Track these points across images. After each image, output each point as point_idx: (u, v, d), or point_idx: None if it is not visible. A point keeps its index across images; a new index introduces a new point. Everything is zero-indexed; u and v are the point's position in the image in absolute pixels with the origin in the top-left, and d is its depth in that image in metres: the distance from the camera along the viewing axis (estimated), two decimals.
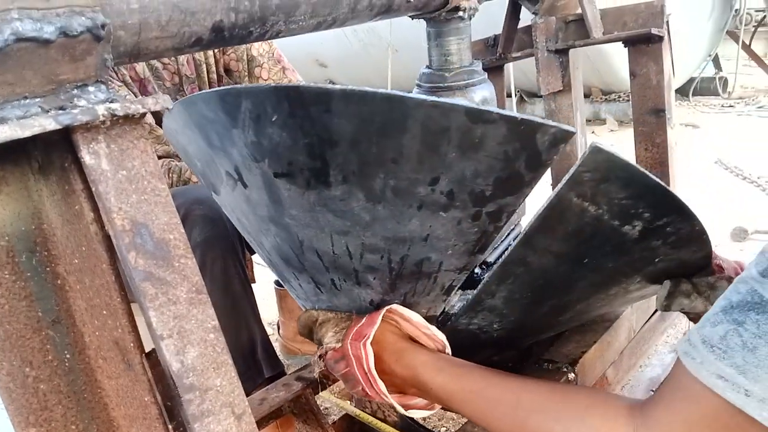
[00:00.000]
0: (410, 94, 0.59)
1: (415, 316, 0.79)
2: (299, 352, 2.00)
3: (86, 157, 0.46)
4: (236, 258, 1.38)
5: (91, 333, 0.55)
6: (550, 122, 0.60)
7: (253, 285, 1.67)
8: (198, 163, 0.79)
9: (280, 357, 2.15)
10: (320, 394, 1.06)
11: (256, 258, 1.80)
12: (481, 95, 0.99)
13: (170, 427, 0.53)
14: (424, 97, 0.59)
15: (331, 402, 1.23)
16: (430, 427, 1.24)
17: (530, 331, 0.90)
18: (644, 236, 0.69)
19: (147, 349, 0.53)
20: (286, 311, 2.00)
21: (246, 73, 1.61)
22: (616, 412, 0.63)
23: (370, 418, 1.05)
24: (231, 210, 0.83)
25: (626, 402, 0.65)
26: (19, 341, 0.53)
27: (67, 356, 0.55)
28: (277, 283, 2.09)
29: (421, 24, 0.97)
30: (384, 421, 1.04)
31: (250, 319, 1.42)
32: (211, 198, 1.31)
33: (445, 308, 0.83)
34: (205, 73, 1.57)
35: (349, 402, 1.13)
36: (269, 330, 2.36)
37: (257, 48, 1.60)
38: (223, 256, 1.32)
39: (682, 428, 0.57)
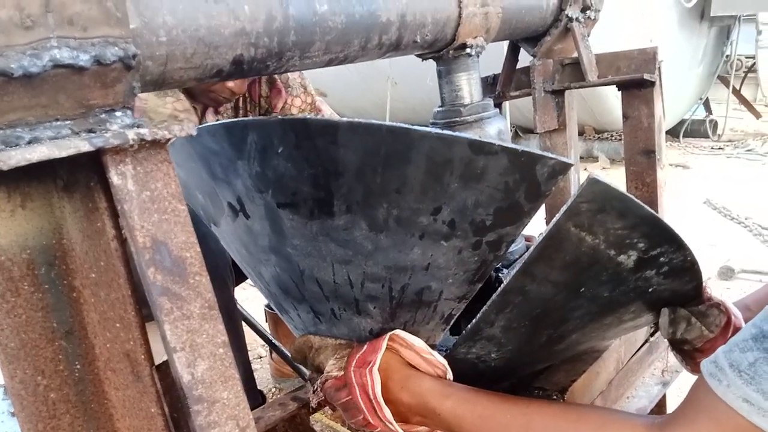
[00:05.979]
0: (415, 127, 0.62)
1: (418, 342, 0.79)
2: (292, 375, 2.01)
3: (114, 178, 0.49)
4: (223, 291, 1.39)
5: (102, 345, 0.57)
6: (549, 154, 0.63)
7: (246, 308, 1.67)
8: (199, 196, 0.80)
9: (271, 380, 2.15)
10: (313, 416, 1.08)
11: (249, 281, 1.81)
12: (496, 128, 0.99)
13: None
14: (428, 129, 0.62)
15: (324, 424, 1.24)
16: None
17: (527, 361, 0.90)
18: (639, 266, 0.71)
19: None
20: (281, 335, 2.00)
21: None
22: (633, 428, 0.65)
23: None
24: (230, 241, 0.84)
25: (641, 419, 0.67)
26: (33, 350, 0.55)
27: (78, 367, 0.57)
28: (269, 306, 2.10)
29: (420, 58, 1.00)
30: None
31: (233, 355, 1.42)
32: (201, 234, 1.30)
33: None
34: None
35: (341, 424, 1.14)
36: (262, 352, 2.36)
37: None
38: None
39: None
